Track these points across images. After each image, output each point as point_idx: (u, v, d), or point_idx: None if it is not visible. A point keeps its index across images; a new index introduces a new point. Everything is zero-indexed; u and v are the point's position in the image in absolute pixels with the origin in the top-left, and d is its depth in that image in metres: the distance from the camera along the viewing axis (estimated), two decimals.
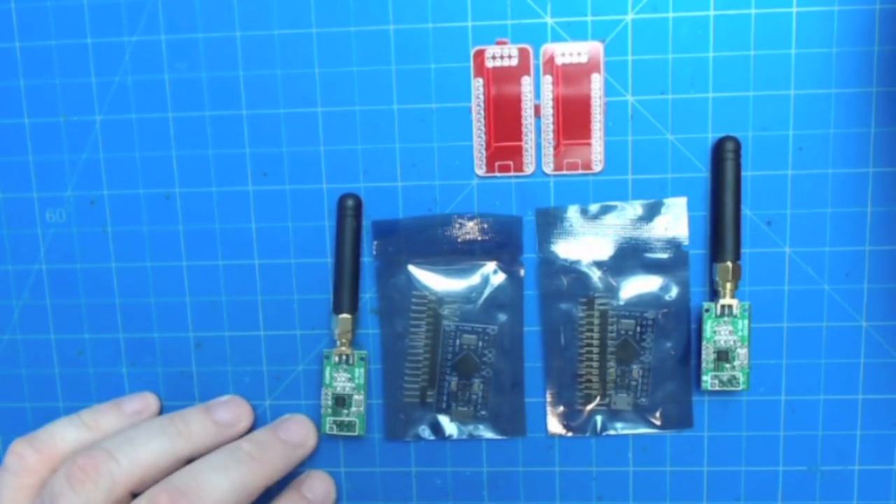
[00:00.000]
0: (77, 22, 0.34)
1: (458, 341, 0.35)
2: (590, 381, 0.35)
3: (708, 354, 0.34)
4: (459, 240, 0.35)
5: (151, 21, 0.34)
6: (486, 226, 0.35)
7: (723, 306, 0.33)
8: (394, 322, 0.35)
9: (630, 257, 0.34)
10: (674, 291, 0.34)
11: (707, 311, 0.34)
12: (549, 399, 0.35)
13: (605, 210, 0.34)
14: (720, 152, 0.33)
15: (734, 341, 0.34)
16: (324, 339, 0.36)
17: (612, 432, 0.35)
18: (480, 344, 0.35)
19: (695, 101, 0.33)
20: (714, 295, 0.34)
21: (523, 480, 0.36)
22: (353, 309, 0.35)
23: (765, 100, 0.33)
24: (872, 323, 0.34)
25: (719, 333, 0.34)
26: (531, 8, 0.33)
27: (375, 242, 0.35)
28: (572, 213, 0.34)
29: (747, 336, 0.34)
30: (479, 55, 0.33)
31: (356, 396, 0.35)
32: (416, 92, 0.34)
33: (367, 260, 0.35)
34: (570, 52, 0.33)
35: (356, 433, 0.35)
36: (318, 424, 0.36)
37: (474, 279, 0.35)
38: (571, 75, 0.33)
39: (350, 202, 0.34)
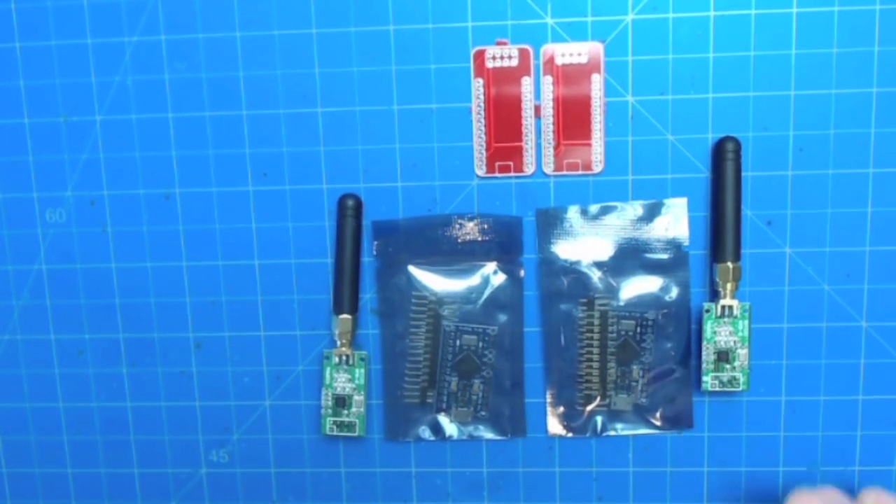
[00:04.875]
0: (77, 22, 0.34)
1: (458, 342, 0.35)
2: (590, 381, 0.35)
3: (708, 355, 0.34)
4: (459, 240, 0.35)
5: (151, 21, 0.34)
6: (486, 226, 0.35)
7: (723, 307, 0.33)
8: (394, 322, 0.35)
9: (630, 258, 0.34)
10: (674, 292, 0.34)
11: (707, 311, 0.34)
12: (549, 399, 0.35)
13: (606, 210, 0.34)
14: (720, 153, 0.33)
15: (734, 342, 0.34)
16: (324, 339, 0.36)
17: (612, 433, 0.35)
18: (480, 344, 0.35)
19: (695, 102, 0.33)
20: (714, 295, 0.34)
21: (523, 480, 0.36)
22: (353, 309, 0.35)
23: (765, 100, 0.33)
24: (872, 323, 0.34)
25: (719, 334, 0.34)
26: (531, 8, 0.33)
27: (375, 242, 0.35)
28: (572, 213, 0.34)
29: (747, 336, 0.34)
30: (480, 55, 0.33)
31: (356, 397, 0.35)
32: (416, 92, 0.34)
33: (368, 260, 0.35)
34: (570, 52, 0.33)
35: (356, 433, 0.35)
36: (318, 424, 0.36)
37: (474, 279, 0.35)
38: (571, 75, 0.33)
39: (350, 202, 0.34)
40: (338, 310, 0.35)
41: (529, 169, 0.34)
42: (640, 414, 0.35)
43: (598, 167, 0.34)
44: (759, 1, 0.33)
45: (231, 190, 0.35)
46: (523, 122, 0.33)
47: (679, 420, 0.35)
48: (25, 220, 0.36)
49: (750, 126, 0.33)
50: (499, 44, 0.33)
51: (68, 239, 0.36)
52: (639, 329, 0.34)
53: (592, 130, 0.33)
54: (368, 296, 0.36)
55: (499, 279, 0.35)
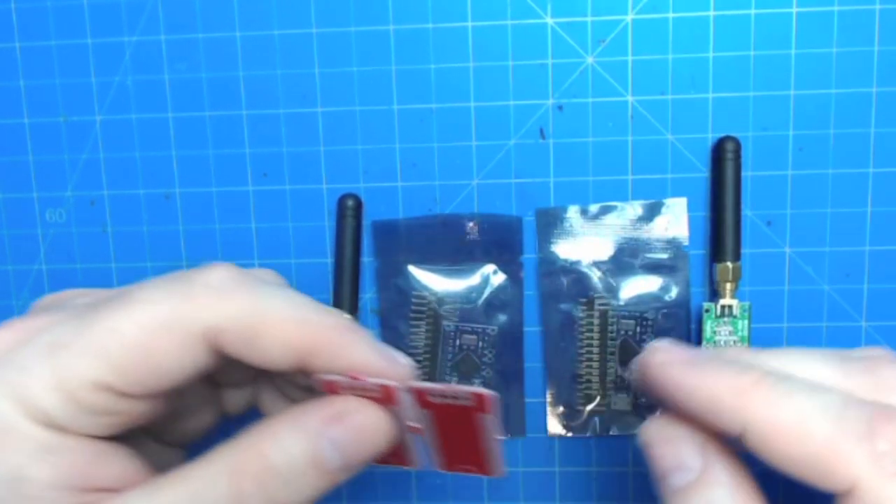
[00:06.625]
0: (77, 22, 0.34)
1: (458, 342, 0.35)
2: (589, 381, 0.35)
3: None
4: (459, 240, 0.35)
5: (151, 21, 0.34)
6: (486, 226, 0.35)
7: (723, 306, 0.33)
8: (394, 322, 0.35)
9: (630, 257, 0.34)
10: (674, 292, 0.34)
11: (707, 311, 0.34)
12: (548, 399, 0.35)
13: (605, 210, 0.34)
14: (720, 152, 0.33)
15: (734, 342, 0.34)
16: None
17: (612, 433, 0.35)
18: (480, 344, 0.35)
19: (695, 102, 0.33)
20: (714, 295, 0.34)
21: (523, 480, 0.36)
22: (354, 309, 0.35)
23: (765, 100, 0.33)
24: (872, 323, 0.34)
25: (719, 334, 0.34)
26: (531, 8, 0.33)
27: (375, 242, 0.35)
28: (572, 213, 0.34)
29: (747, 336, 0.34)
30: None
31: None
32: (416, 92, 0.34)
33: (368, 260, 0.35)
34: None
35: None
36: None
37: (474, 279, 0.35)
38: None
39: (350, 202, 0.34)
40: (338, 309, 0.35)
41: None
42: (640, 414, 0.35)
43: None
44: (758, 1, 0.33)
45: (231, 190, 0.35)
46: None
47: None
48: (25, 220, 0.36)
49: (750, 126, 0.33)
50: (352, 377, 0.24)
51: (68, 239, 0.36)
52: (639, 329, 0.35)
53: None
54: (368, 296, 0.36)
55: (498, 279, 0.35)
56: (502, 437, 0.25)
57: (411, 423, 0.26)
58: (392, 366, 0.24)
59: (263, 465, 0.22)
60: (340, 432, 0.23)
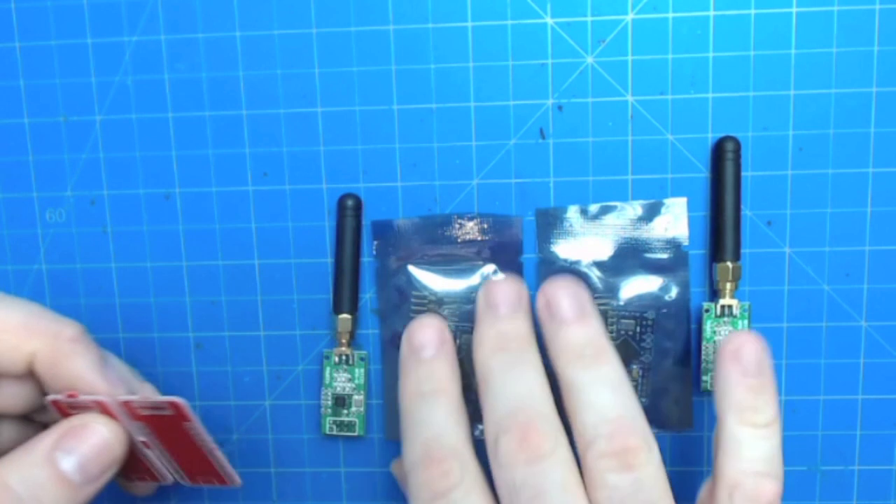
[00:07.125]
0: (77, 22, 0.34)
1: (457, 341, 0.35)
2: None
3: (708, 354, 0.34)
4: (459, 240, 0.35)
5: (151, 21, 0.34)
6: (486, 226, 0.35)
7: (723, 306, 0.33)
8: (394, 322, 0.35)
9: (630, 257, 0.34)
10: (674, 291, 0.34)
11: (707, 311, 0.34)
12: None
13: (605, 210, 0.34)
14: (720, 152, 0.33)
15: None
16: (324, 339, 0.36)
17: None
18: None
19: (695, 101, 0.33)
20: (714, 295, 0.34)
21: None
22: (353, 309, 0.35)
23: (765, 100, 0.33)
24: (872, 323, 0.34)
25: (719, 333, 0.34)
26: (531, 8, 0.33)
27: (375, 242, 0.35)
28: (572, 213, 0.34)
29: None
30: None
31: (356, 396, 0.35)
32: (416, 92, 0.34)
33: (368, 260, 0.35)
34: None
35: (356, 433, 0.35)
36: (318, 424, 0.36)
37: (474, 279, 0.35)
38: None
39: (350, 202, 0.34)
40: (338, 309, 0.35)
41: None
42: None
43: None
44: (758, 1, 0.33)
45: (231, 190, 0.35)
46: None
47: (679, 420, 0.35)
48: (25, 220, 0.36)
49: (750, 126, 0.33)
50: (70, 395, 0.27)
51: (68, 239, 0.36)
52: (639, 329, 0.35)
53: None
54: (368, 296, 0.36)
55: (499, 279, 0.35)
56: (215, 445, 0.29)
57: (140, 438, 0.28)
58: (104, 381, 0.27)
59: (3, 492, 0.24)
60: (74, 444, 0.26)
